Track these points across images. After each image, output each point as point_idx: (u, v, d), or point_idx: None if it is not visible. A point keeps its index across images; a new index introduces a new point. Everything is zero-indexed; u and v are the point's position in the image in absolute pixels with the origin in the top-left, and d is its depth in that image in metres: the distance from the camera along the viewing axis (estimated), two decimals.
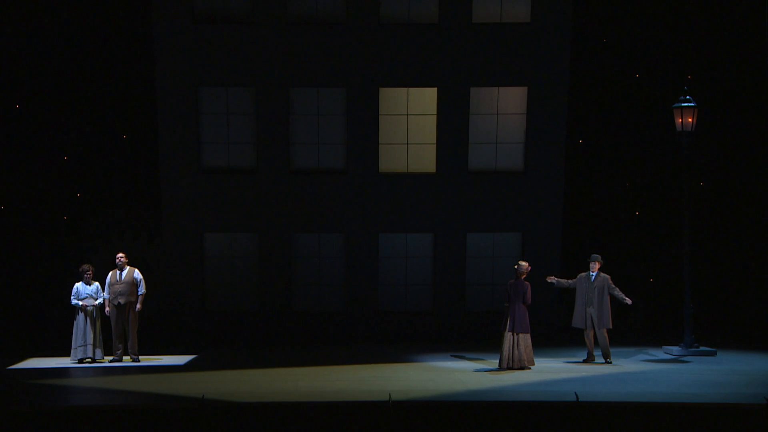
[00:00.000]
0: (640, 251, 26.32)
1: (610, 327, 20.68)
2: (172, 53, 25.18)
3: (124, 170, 25.86)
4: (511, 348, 19.61)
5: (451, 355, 21.68)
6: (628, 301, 20.76)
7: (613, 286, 20.66)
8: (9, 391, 17.60)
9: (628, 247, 26.18)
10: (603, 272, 20.85)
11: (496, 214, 25.66)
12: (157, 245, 25.75)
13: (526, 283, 19.76)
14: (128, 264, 21.20)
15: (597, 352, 20.90)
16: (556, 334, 24.74)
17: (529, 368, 19.56)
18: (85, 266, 21.15)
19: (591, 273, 20.75)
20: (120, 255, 21.15)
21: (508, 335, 19.61)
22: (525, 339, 19.64)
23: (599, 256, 20.91)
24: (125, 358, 20.93)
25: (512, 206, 25.65)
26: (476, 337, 24.65)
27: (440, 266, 25.76)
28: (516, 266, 20.03)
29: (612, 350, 20.92)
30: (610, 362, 20.53)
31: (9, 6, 25.46)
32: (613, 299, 20.88)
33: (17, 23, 25.53)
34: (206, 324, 25.40)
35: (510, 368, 19.50)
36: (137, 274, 21.10)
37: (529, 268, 20.02)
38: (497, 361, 19.96)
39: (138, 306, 21.01)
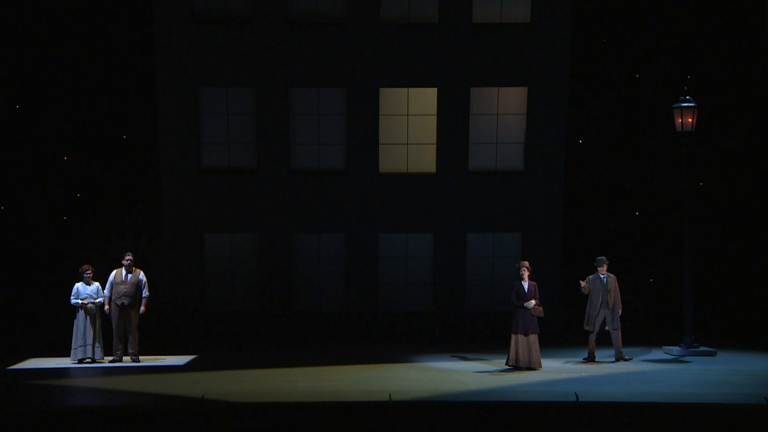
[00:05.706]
0: (640, 251, 26.30)
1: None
2: (172, 53, 25.18)
3: (124, 170, 25.84)
4: (514, 348, 19.58)
5: (451, 356, 21.68)
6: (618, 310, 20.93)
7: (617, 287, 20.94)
8: (9, 391, 17.59)
9: (628, 246, 26.17)
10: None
11: (496, 214, 25.66)
12: (157, 245, 25.74)
13: (513, 283, 19.76)
14: (134, 265, 21.22)
15: (598, 353, 20.93)
16: (557, 334, 24.72)
17: (536, 369, 19.49)
18: (85, 266, 21.15)
19: (601, 275, 20.82)
20: (128, 256, 21.13)
21: (512, 336, 19.64)
22: (516, 339, 19.50)
23: (605, 258, 21.01)
24: (125, 358, 20.92)
25: (512, 206, 25.64)
26: (476, 337, 24.64)
27: (440, 266, 25.75)
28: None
29: None
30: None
31: (9, 6, 25.45)
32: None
33: (17, 23, 25.52)
34: (206, 324, 25.40)
35: (517, 368, 19.47)
36: (142, 276, 21.10)
37: (518, 265, 19.97)
38: (498, 361, 20.10)
39: (142, 308, 20.99)
